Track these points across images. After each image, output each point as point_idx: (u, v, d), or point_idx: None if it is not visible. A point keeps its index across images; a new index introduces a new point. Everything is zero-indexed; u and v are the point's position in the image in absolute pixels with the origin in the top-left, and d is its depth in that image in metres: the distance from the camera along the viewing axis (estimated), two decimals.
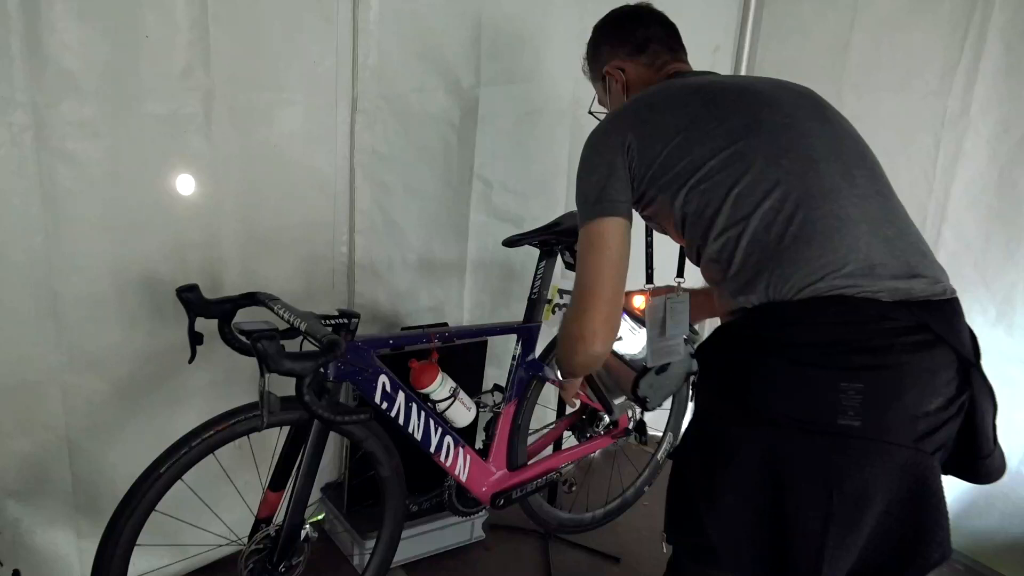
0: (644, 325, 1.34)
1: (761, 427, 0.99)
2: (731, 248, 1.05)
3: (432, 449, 1.65)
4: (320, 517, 2.00)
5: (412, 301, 2.04)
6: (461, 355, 1.85)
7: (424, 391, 1.66)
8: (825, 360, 0.97)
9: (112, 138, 1.46)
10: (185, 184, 1.65)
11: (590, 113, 1.48)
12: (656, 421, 2.13)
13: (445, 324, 2.04)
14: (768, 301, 1.04)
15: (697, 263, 1.13)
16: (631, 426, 2.13)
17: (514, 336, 1.82)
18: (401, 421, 1.60)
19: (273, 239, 1.79)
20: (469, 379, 1.92)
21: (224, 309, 1.52)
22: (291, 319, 1.42)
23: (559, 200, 2.32)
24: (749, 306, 1.04)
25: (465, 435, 1.75)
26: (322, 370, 1.38)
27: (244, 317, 1.53)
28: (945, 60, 2.06)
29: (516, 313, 1.98)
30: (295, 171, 1.79)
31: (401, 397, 1.59)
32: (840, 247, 1.02)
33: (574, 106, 2.22)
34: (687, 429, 1.14)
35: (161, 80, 1.50)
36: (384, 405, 1.55)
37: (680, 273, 1.44)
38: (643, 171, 1.09)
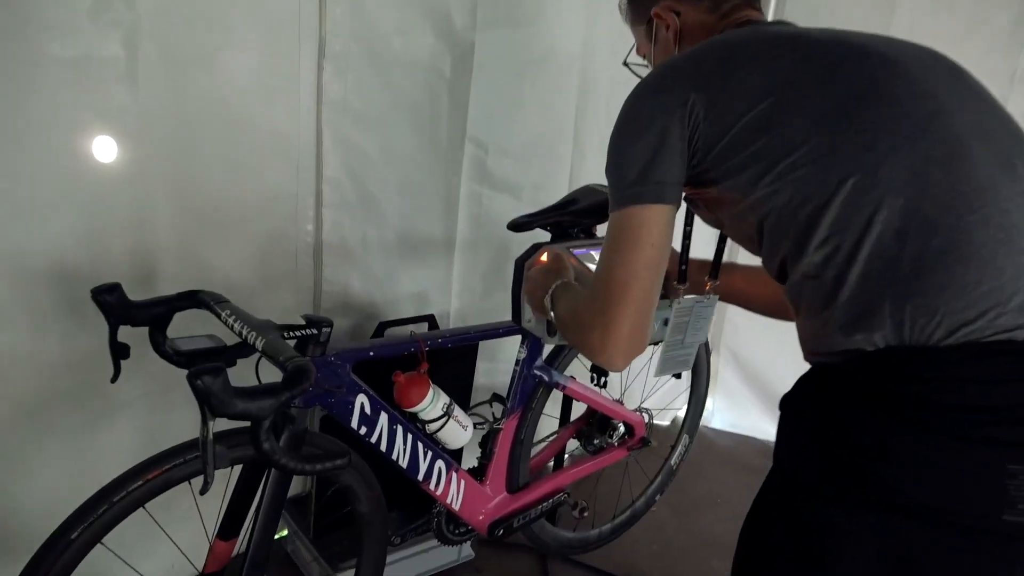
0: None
1: (884, 516, 0.83)
2: (842, 263, 0.87)
3: (420, 477, 1.50)
4: (283, 534, 1.88)
5: (391, 288, 1.90)
6: (446, 356, 1.66)
7: (412, 410, 1.47)
8: (987, 432, 0.80)
9: (3, 91, 1.27)
10: (104, 149, 1.43)
11: (625, 65, 1.30)
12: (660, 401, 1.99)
13: (431, 317, 1.88)
14: (902, 344, 0.85)
15: (779, 278, 0.96)
16: (648, 434, 1.99)
17: (518, 337, 1.63)
18: (383, 447, 1.44)
19: (220, 217, 1.59)
20: (456, 385, 1.77)
21: (156, 314, 1.29)
22: (244, 332, 1.19)
23: (563, 165, 2.18)
24: (870, 348, 0.86)
25: (456, 452, 1.65)
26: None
27: (185, 322, 1.33)
28: (1019, 7, 1.85)
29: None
30: (247, 131, 1.58)
31: (383, 419, 1.42)
32: (1006, 268, 0.83)
33: (584, 53, 2.07)
34: (762, 505, 0.97)
35: (67, 14, 1.31)
36: (363, 430, 1.40)
37: (715, 274, 1.35)
38: (709, 144, 0.94)
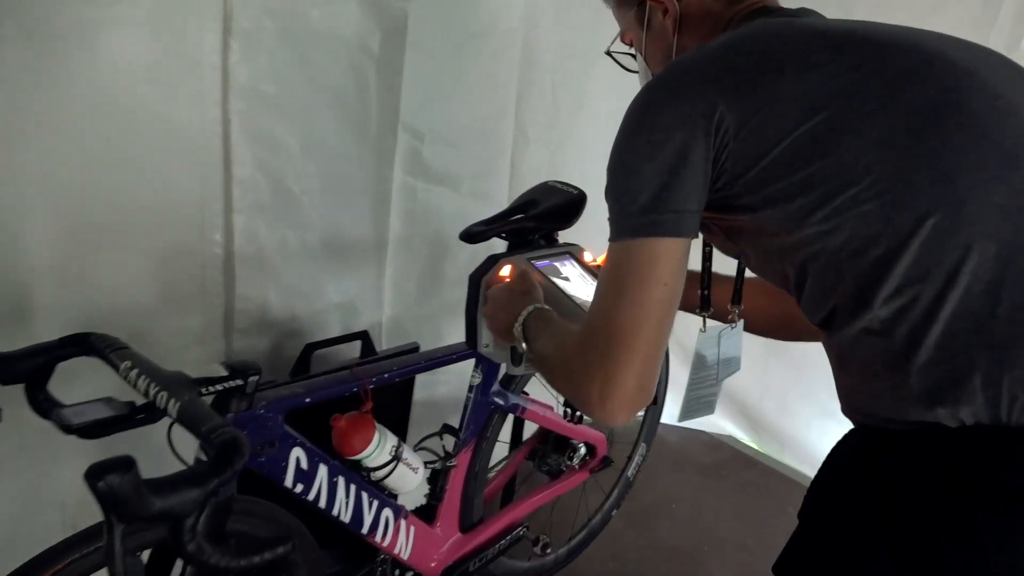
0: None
1: None
2: (919, 320, 0.80)
3: (365, 530, 1.43)
4: None
5: (315, 299, 1.77)
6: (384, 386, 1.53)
7: (356, 458, 1.39)
8: None
9: None
10: None
11: (609, 55, 1.20)
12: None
13: (364, 335, 1.75)
14: (997, 424, 0.77)
15: (824, 326, 0.90)
16: (609, 452, 1.93)
17: (471, 361, 1.56)
18: (322, 505, 1.36)
19: (108, 228, 1.38)
20: (393, 415, 1.69)
21: (32, 367, 1.11)
22: (151, 391, 1.03)
23: (504, 152, 2.05)
24: (953, 425, 0.79)
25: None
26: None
27: (73, 373, 1.15)
28: None
29: (450, 302, 1.92)
30: (137, 126, 1.36)
31: (322, 473, 1.34)
32: None
33: (527, 22, 1.95)
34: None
35: None
36: (298, 488, 1.30)
37: (738, 298, 1.29)
38: (742, 166, 0.86)
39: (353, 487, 1.39)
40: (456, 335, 1.81)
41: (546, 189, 1.54)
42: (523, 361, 1.23)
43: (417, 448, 1.53)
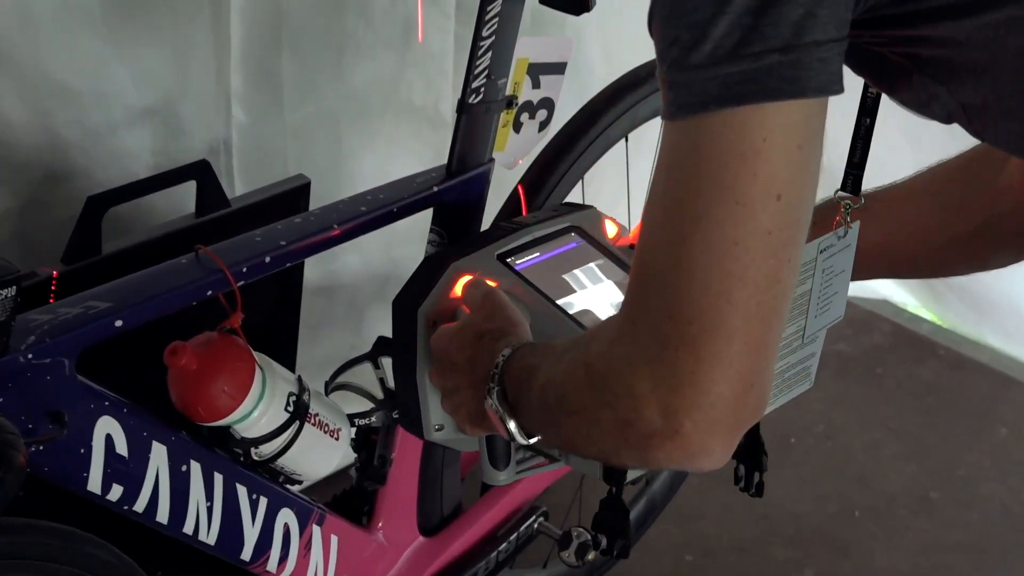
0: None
1: None
2: None
3: (247, 556, 1.36)
4: None
5: (96, 102, 1.63)
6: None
7: (222, 423, 1.28)
8: None
9: None
10: None
11: None
12: None
13: (203, 166, 1.56)
14: None
15: None
16: None
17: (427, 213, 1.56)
18: (161, 519, 1.24)
19: None
20: (270, 327, 1.61)
21: None
22: None
23: None
24: None
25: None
26: None
27: None
28: None
29: (360, 91, 1.87)
30: None
31: (158, 459, 1.22)
32: None
33: None
34: None
35: None
36: (114, 494, 1.20)
37: (857, 185, 1.19)
38: None
39: (219, 480, 1.30)
40: (383, 151, 1.87)
41: None
42: (515, 454, 1.25)
43: (333, 390, 1.49)
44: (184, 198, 1.57)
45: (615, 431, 0.85)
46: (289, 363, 1.65)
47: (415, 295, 1.29)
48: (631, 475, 1.24)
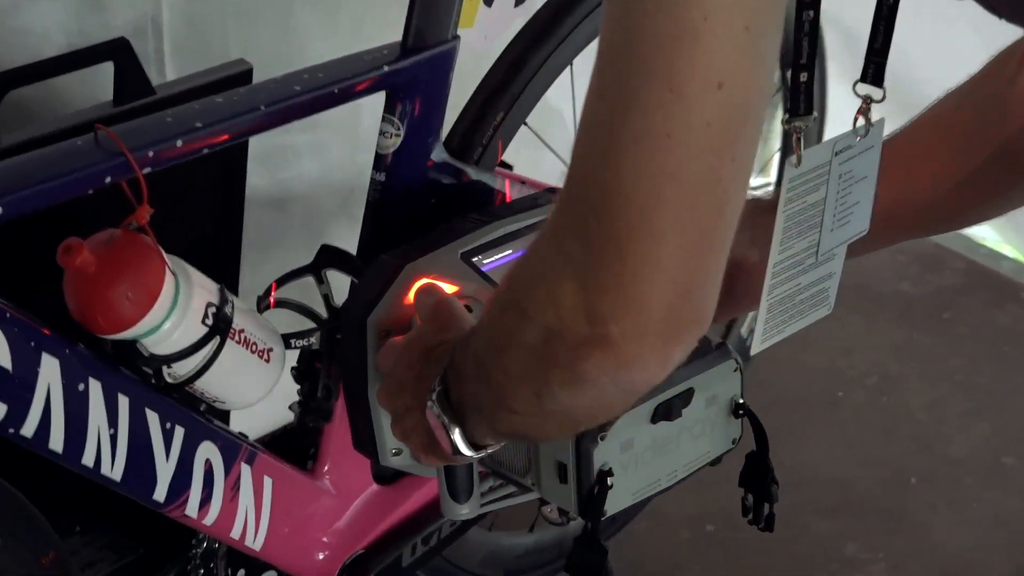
0: None
1: None
2: None
3: (162, 497, 1.31)
4: None
5: None
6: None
7: (126, 335, 1.21)
8: None
9: None
10: None
11: None
12: None
13: (121, 45, 1.47)
14: None
15: None
16: None
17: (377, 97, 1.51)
18: (55, 446, 1.16)
19: None
20: (198, 231, 1.57)
21: None
22: None
23: None
24: None
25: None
26: None
27: None
28: None
29: None
30: None
31: (49, 374, 1.15)
32: None
33: None
34: None
35: None
36: None
37: (876, 75, 1.13)
38: None
39: (124, 403, 1.24)
40: (345, 33, 1.83)
41: None
42: (479, 484, 1.24)
43: (267, 307, 1.41)
44: (103, 84, 1.53)
45: (543, 351, 0.84)
46: (231, 287, 1.60)
47: (364, 303, 1.27)
48: (612, 509, 1.20)
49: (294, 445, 1.56)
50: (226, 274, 1.65)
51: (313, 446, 1.55)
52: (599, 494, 1.19)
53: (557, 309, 0.81)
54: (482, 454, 1.05)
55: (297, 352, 1.48)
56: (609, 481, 1.18)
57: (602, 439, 1.17)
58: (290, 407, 1.54)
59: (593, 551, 1.18)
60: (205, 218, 1.66)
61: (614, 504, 1.19)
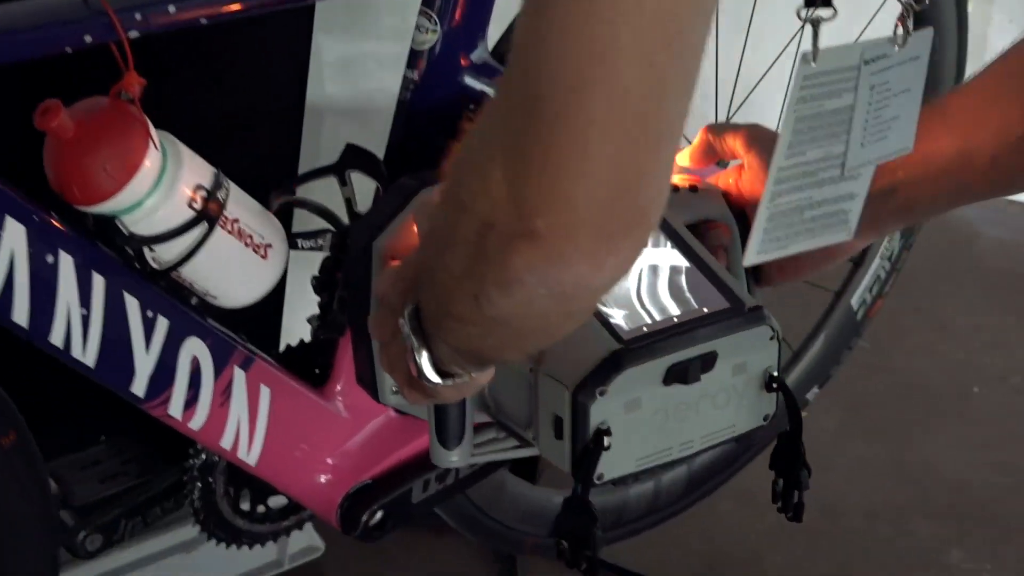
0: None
1: None
2: None
3: (141, 391, 1.27)
4: None
5: None
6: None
7: (102, 209, 1.18)
8: None
9: None
10: None
11: None
12: None
13: None
14: None
15: None
16: None
17: None
18: (21, 319, 1.15)
19: None
20: (207, 116, 1.53)
21: None
22: None
23: None
24: None
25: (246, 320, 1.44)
26: None
27: None
28: None
29: None
30: None
31: (15, 239, 1.13)
32: None
33: None
34: None
35: None
36: None
37: None
38: None
39: (99, 282, 1.21)
40: None
41: None
42: (471, 432, 1.19)
43: (283, 205, 1.38)
44: None
45: (477, 245, 0.80)
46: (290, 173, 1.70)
47: (372, 227, 1.25)
48: (610, 473, 1.16)
49: (307, 359, 1.51)
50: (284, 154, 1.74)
51: (325, 362, 1.51)
52: (592, 453, 1.14)
53: (489, 199, 0.78)
54: (449, 382, 0.99)
55: (314, 258, 1.44)
56: (606, 441, 1.12)
57: (601, 394, 1.13)
58: (308, 319, 1.52)
59: (581, 514, 1.13)
60: (263, 139, 1.66)
61: (613, 468, 1.15)
